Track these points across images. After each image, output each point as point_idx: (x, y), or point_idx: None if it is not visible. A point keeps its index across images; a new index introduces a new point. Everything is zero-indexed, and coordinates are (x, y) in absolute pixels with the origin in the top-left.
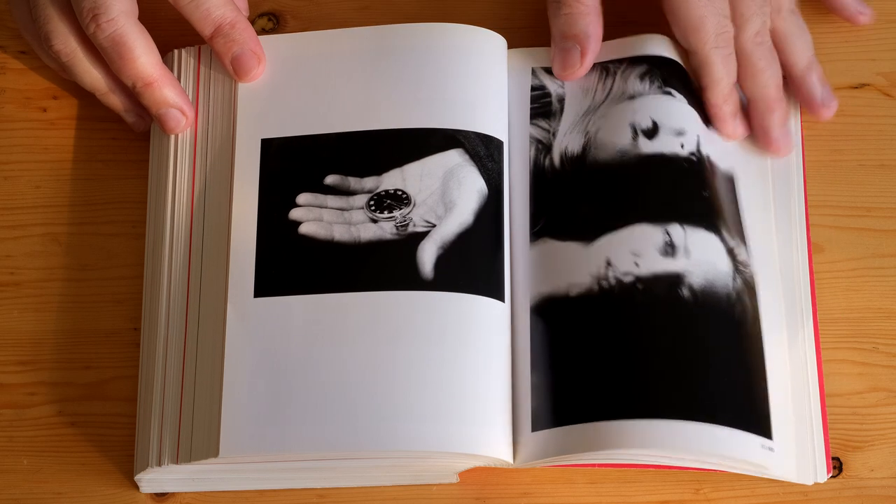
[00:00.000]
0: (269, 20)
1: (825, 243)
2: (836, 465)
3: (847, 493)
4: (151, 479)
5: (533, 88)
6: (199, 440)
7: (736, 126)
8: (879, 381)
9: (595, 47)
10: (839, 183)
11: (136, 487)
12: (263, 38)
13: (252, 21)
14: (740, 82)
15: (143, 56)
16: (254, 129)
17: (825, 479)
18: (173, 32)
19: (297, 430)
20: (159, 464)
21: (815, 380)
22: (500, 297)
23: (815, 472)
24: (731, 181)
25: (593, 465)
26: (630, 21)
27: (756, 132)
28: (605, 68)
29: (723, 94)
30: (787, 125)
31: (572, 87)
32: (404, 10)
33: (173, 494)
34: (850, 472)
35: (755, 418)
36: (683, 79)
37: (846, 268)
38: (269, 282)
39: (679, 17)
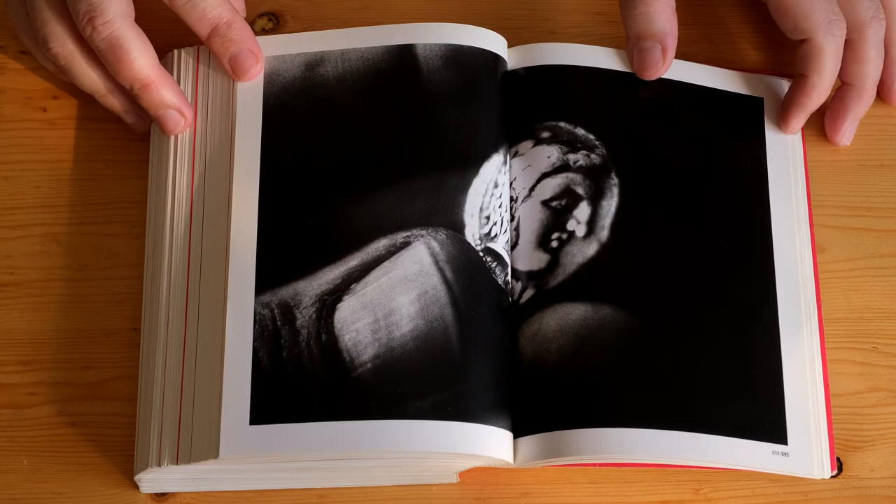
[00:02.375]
0: (269, 20)
1: (825, 243)
2: (836, 465)
3: (847, 493)
4: (151, 479)
5: None
6: (199, 441)
7: (799, 124)
8: (879, 381)
9: (674, 44)
10: (839, 183)
11: (136, 487)
12: (262, 38)
13: (252, 21)
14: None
15: (139, 58)
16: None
17: (828, 476)
18: (172, 33)
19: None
20: (159, 464)
21: (820, 373)
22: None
23: (821, 467)
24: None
25: (594, 465)
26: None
27: (832, 116)
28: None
29: (820, 88)
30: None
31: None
32: (404, 10)
33: (173, 494)
34: (850, 472)
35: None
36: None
37: (846, 268)
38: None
39: (786, 6)
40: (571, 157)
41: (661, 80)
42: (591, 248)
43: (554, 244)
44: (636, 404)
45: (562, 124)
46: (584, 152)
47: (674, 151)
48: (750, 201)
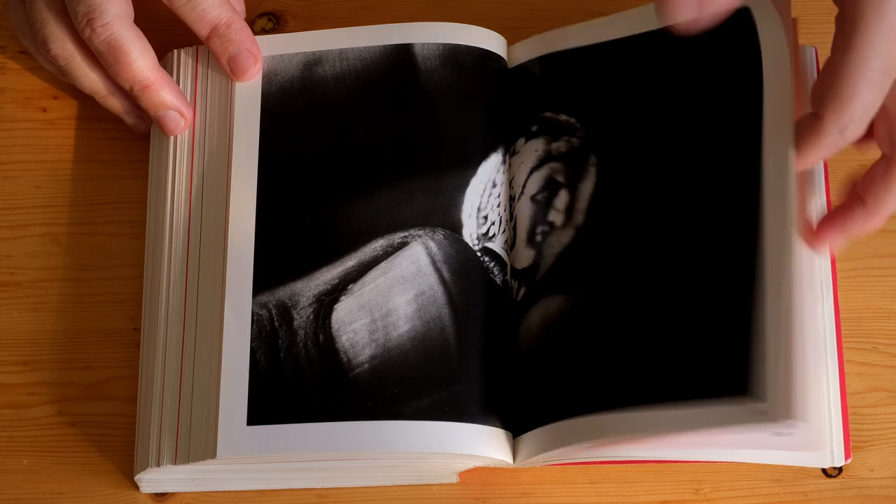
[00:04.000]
0: (269, 20)
1: None
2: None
3: (847, 493)
4: (151, 479)
5: None
6: (197, 441)
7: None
8: (879, 381)
9: None
10: (839, 183)
11: (136, 487)
12: (260, 38)
13: (252, 21)
14: None
15: (139, 59)
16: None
17: (841, 464)
18: (171, 33)
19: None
20: (159, 464)
21: (835, 355)
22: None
23: (832, 455)
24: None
25: (594, 463)
26: None
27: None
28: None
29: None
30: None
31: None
32: (404, 9)
33: (173, 494)
34: (850, 472)
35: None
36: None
37: (846, 268)
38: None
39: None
40: (554, 145)
41: (637, 37)
42: (566, 236)
43: (538, 238)
44: (614, 388)
45: (547, 115)
46: (566, 138)
47: (658, 115)
48: (739, 153)
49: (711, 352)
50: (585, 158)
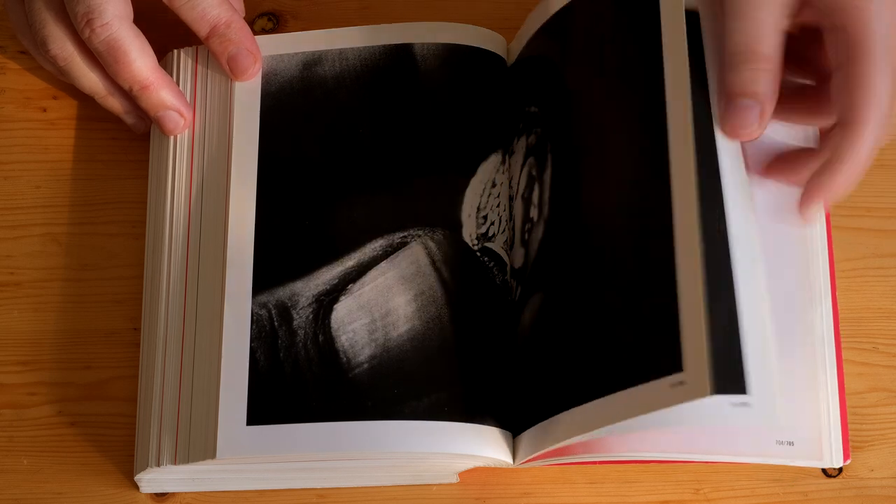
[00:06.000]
0: (268, 20)
1: None
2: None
3: (847, 493)
4: (151, 479)
5: None
6: (197, 441)
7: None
8: (879, 381)
9: (772, 109)
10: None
11: (136, 487)
12: (259, 38)
13: (252, 21)
14: None
15: (138, 59)
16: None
17: (840, 465)
18: (171, 33)
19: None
20: (159, 464)
21: (833, 362)
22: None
23: (830, 456)
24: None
25: (594, 463)
26: None
27: None
28: None
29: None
30: None
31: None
32: (404, 9)
33: (173, 494)
34: (850, 472)
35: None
36: None
37: (846, 268)
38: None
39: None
40: (529, 139)
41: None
42: (540, 231)
43: (526, 236)
44: (579, 382)
45: (525, 109)
46: (535, 130)
47: (589, 89)
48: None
49: (642, 336)
50: (545, 147)
